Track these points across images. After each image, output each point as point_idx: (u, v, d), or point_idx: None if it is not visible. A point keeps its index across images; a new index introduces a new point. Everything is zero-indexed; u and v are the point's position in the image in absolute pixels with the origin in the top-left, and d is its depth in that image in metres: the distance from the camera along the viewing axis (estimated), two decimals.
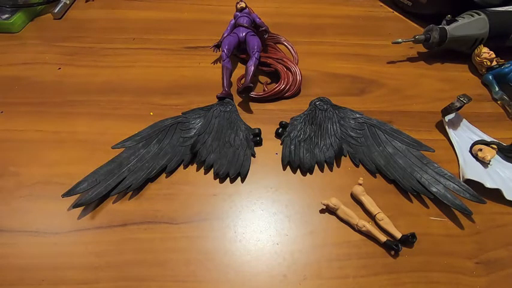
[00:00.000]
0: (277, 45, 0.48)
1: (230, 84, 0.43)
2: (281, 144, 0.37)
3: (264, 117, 0.40)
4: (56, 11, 0.54)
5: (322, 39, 0.53)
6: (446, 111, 0.38)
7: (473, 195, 0.32)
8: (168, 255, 0.29)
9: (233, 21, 0.46)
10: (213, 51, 0.46)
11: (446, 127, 0.39)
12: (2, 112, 0.40)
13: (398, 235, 0.30)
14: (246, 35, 0.44)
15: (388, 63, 0.49)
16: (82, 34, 0.51)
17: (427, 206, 0.33)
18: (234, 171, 0.34)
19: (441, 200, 0.32)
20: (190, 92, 0.43)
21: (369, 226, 0.30)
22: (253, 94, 0.42)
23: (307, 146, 0.36)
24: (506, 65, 0.44)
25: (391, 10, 0.60)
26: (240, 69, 0.47)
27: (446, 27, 0.47)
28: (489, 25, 0.46)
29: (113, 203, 0.32)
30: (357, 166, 0.36)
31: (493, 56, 0.45)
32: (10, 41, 0.50)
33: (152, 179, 0.34)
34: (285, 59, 0.45)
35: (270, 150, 0.37)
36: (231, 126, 0.38)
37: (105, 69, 0.46)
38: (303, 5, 0.60)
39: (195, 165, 0.35)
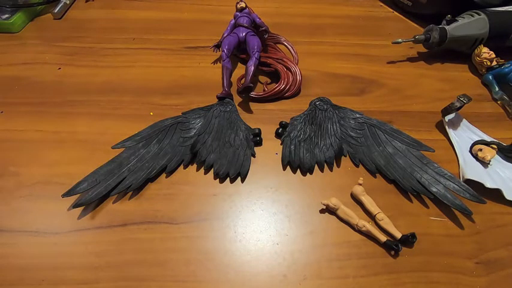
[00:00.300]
0: (277, 45, 0.48)
1: (230, 84, 0.43)
2: (281, 144, 0.37)
3: (264, 117, 0.40)
4: (56, 11, 0.54)
5: (322, 39, 0.53)
6: (446, 111, 0.38)
7: (473, 195, 0.32)
8: (168, 255, 0.29)
9: (233, 21, 0.46)
10: (213, 51, 0.46)
11: (446, 127, 0.39)
12: (2, 112, 0.40)
13: (398, 235, 0.30)
14: (246, 35, 0.44)
15: (388, 63, 0.49)
16: (82, 34, 0.51)
17: (427, 206, 0.33)
18: (234, 171, 0.34)
19: (441, 200, 0.32)
20: (190, 92, 0.43)
21: (369, 226, 0.30)
22: (253, 94, 0.42)
23: (307, 146, 0.36)
24: (506, 65, 0.44)
25: (391, 10, 0.60)
26: (240, 69, 0.47)
27: (446, 27, 0.47)
28: (489, 25, 0.46)
29: (113, 203, 0.32)
30: (357, 166, 0.36)
31: (493, 56, 0.45)
32: (10, 41, 0.50)
33: (152, 179, 0.34)
34: (285, 59, 0.45)
35: (270, 150, 0.37)
36: (231, 126, 0.38)
37: (105, 69, 0.46)
38: (303, 5, 0.60)
39: (195, 165, 0.35)
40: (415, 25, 0.57)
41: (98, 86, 0.43)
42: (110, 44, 0.50)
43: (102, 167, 0.33)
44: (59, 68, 0.46)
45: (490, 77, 0.45)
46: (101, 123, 0.39)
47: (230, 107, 0.39)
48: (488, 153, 0.36)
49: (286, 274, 0.28)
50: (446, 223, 0.32)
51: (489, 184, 0.32)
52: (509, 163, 0.36)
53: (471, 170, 0.34)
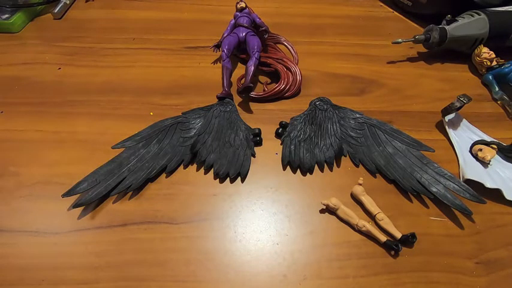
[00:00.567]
0: (277, 45, 0.48)
1: (230, 84, 0.43)
2: (281, 144, 0.37)
3: (264, 117, 0.40)
4: (56, 11, 0.54)
5: (322, 39, 0.53)
6: (446, 111, 0.38)
7: (473, 195, 0.32)
8: (168, 255, 0.29)
9: (233, 21, 0.46)
10: (213, 51, 0.46)
11: (446, 127, 0.39)
12: (2, 112, 0.40)
13: (398, 235, 0.30)
14: (246, 35, 0.44)
15: (388, 63, 0.49)
16: (82, 34, 0.51)
17: (427, 206, 0.33)
18: (234, 171, 0.34)
19: (441, 200, 0.32)
20: (190, 92, 0.43)
21: (369, 226, 0.30)
22: (253, 94, 0.42)
23: (307, 146, 0.36)
24: (506, 65, 0.44)
25: (391, 10, 0.60)
26: (240, 69, 0.47)
27: (446, 27, 0.47)
28: (489, 25, 0.46)
29: (113, 203, 0.32)
30: (357, 166, 0.36)
31: (493, 56, 0.45)
32: (10, 41, 0.50)
33: (152, 179, 0.34)
34: (285, 59, 0.45)
35: (270, 150, 0.37)
36: (231, 126, 0.38)
37: (105, 69, 0.46)
38: (303, 5, 0.60)
39: (195, 165, 0.35)
40: (415, 25, 0.57)
41: (98, 86, 0.43)
42: (110, 44, 0.50)
43: (102, 167, 0.33)
44: (59, 68, 0.46)
45: (490, 77, 0.45)
46: (101, 123, 0.39)
47: (230, 107, 0.39)
48: (488, 153, 0.36)
49: (286, 274, 0.28)
50: (446, 223, 0.32)
51: (489, 184, 0.32)
52: (509, 163, 0.36)
53: (471, 170, 0.34)
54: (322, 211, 0.32)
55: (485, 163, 0.36)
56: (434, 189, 0.33)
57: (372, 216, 0.32)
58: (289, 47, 0.47)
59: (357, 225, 0.31)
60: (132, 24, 0.54)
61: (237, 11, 0.46)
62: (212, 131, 0.37)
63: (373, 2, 0.62)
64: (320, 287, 0.28)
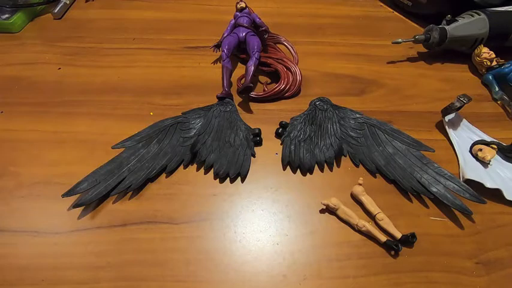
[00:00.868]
0: (277, 45, 0.48)
1: (230, 84, 0.43)
2: (281, 144, 0.37)
3: (264, 117, 0.40)
4: (56, 11, 0.54)
5: (322, 39, 0.53)
6: (446, 111, 0.38)
7: (473, 195, 0.32)
8: (168, 255, 0.29)
9: (233, 21, 0.46)
10: (213, 51, 0.46)
11: (446, 127, 0.39)
12: (2, 112, 0.40)
13: (398, 235, 0.30)
14: (246, 35, 0.44)
15: (388, 63, 0.49)
16: (82, 34, 0.51)
17: (427, 206, 0.33)
18: (234, 171, 0.34)
19: (441, 200, 0.32)
20: (190, 92, 0.43)
21: (368, 226, 0.30)
22: (253, 94, 0.42)
23: (307, 146, 0.36)
24: (506, 65, 0.44)
25: (391, 10, 0.60)
26: (240, 69, 0.47)
27: (446, 27, 0.47)
28: (489, 25, 0.46)
29: (113, 203, 0.32)
30: (357, 166, 0.36)
31: (493, 56, 0.45)
32: (10, 41, 0.50)
33: (152, 179, 0.34)
34: (285, 59, 0.45)
35: (270, 150, 0.37)
36: (231, 126, 0.38)
37: (105, 69, 0.46)
38: (303, 5, 0.60)
39: (195, 165, 0.35)
40: (415, 25, 0.57)
41: (98, 86, 0.43)
42: (110, 44, 0.50)
43: (102, 167, 0.33)
44: (59, 68, 0.46)
45: (490, 77, 0.45)
46: (101, 123, 0.39)
47: (230, 107, 0.39)
48: (488, 153, 0.36)
49: (286, 274, 0.28)
50: (446, 223, 0.32)
51: (489, 184, 0.32)
52: (509, 163, 0.36)
53: (471, 170, 0.34)
54: (322, 211, 0.32)
55: (485, 163, 0.36)
56: (434, 189, 0.33)
57: (372, 216, 0.32)
58: (289, 47, 0.47)
59: (357, 225, 0.31)
60: (132, 24, 0.54)
61: (237, 11, 0.46)
62: (212, 131, 0.37)
63: (373, 2, 0.62)
64: (320, 287, 0.28)
